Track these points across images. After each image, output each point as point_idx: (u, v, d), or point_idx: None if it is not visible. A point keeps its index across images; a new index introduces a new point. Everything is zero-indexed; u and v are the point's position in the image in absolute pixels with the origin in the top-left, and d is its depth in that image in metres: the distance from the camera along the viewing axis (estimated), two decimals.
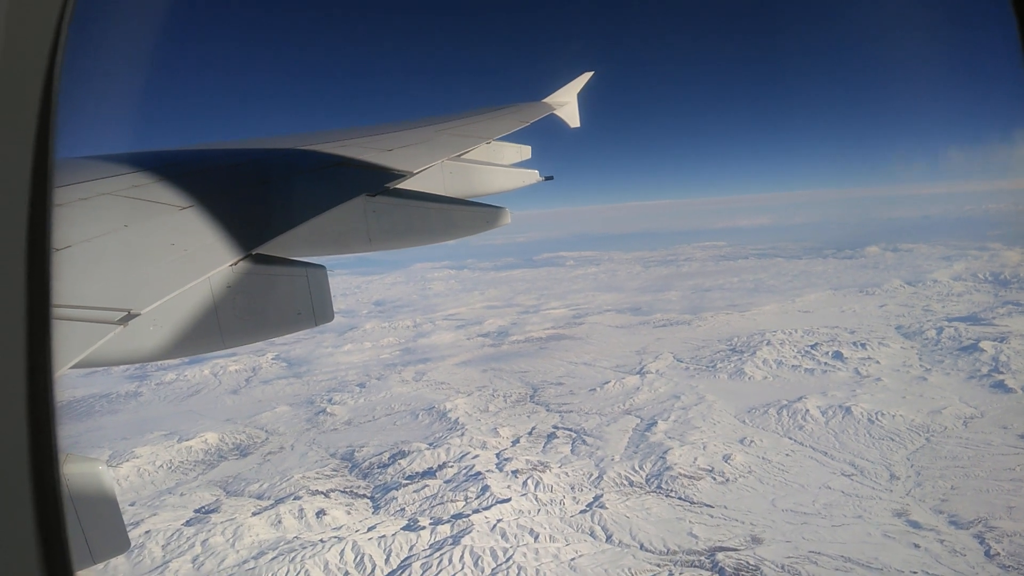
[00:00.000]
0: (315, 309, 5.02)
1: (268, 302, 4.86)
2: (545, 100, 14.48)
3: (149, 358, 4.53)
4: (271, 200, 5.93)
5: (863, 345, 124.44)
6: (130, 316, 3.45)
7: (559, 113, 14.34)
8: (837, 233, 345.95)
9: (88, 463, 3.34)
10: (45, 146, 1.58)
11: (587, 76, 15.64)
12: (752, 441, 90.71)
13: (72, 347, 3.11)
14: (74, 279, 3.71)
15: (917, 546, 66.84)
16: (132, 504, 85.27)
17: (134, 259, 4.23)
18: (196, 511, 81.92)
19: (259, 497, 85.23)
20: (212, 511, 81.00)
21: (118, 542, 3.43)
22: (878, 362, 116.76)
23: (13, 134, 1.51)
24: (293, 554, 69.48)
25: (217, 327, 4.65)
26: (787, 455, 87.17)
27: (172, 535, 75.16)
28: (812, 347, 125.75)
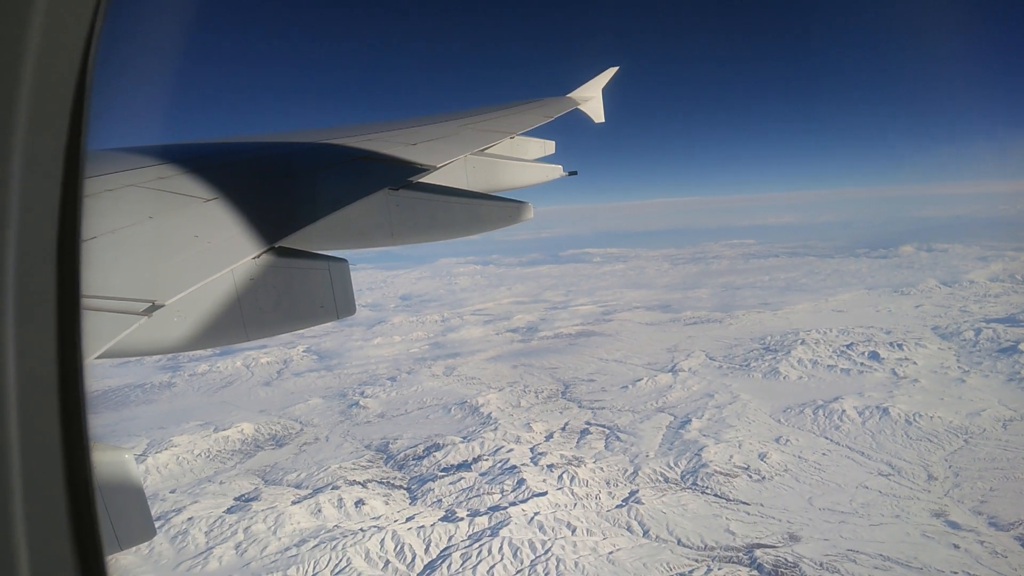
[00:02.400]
0: (337, 302, 5.04)
1: (290, 295, 4.88)
2: (570, 95, 14.43)
3: (174, 349, 4.54)
4: (294, 193, 5.96)
5: (899, 346, 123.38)
6: (155, 307, 3.49)
7: (584, 108, 14.25)
8: (867, 232, 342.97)
9: (115, 452, 3.35)
10: (78, 139, 1.62)
11: (612, 71, 15.52)
12: (788, 440, 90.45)
13: (99, 337, 3.17)
14: (100, 270, 3.76)
15: (957, 547, 66.41)
16: (173, 491, 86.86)
17: (159, 250, 4.28)
18: (236, 499, 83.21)
19: (297, 486, 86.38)
20: (252, 499, 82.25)
21: (144, 529, 3.46)
22: (915, 363, 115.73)
23: (48, 127, 1.54)
24: (334, 542, 70.40)
25: (240, 319, 4.69)
26: (823, 454, 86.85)
27: (214, 522, 76.41)
28: (847, 347, 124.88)
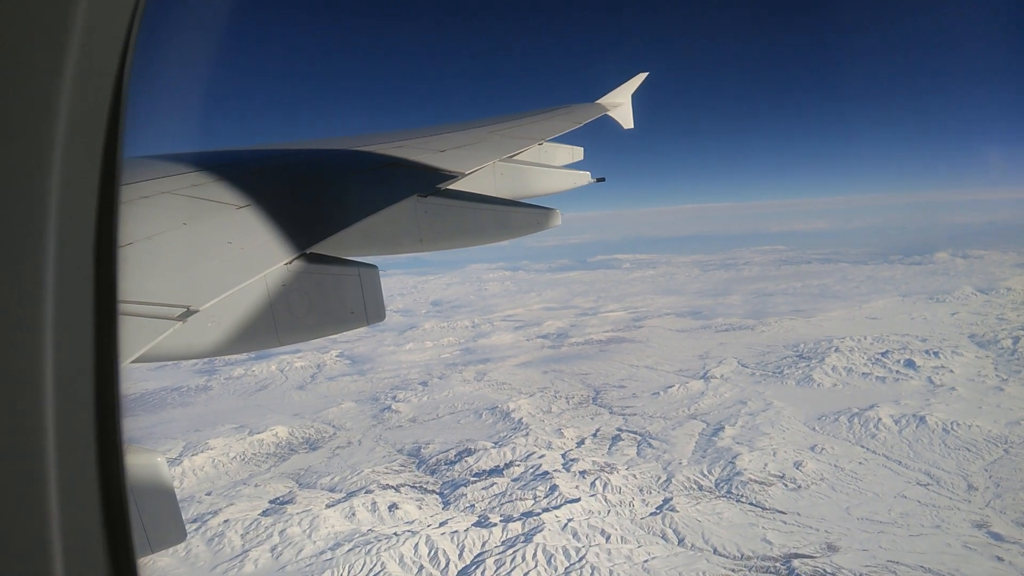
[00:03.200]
0: (367, 308, 5.07)
1: (321, 301, 4.91)
2: (599, 101, 14.33)
3: (208, 354, 4.58)
4: (325, 200, 5.97)
5: (936, 353, 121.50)
6: (189, 312, 3.53)
7: (613, 114, 14.15)
8: (901, 238, 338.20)
9: (147, 455, 3.37)
10: (115, 145, 1.65)
11: (642, 77, 15.37)
12: (823, 448, 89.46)
13: (134, 341, 3.22)
14: (135, 275, 3.80)
15: (1000, 559, 65.26)
16: (208, 494, 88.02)
17: (193, 257, 4.31)
18: (271, 502, 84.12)
19: (331, 490, 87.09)
20: (287, 502, 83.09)
21: (176, 532, 3.47)
22: (952, 371, 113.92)
23: (86, 133, 1.56)
24: (369, 546, 70.90)
25: (272, 324, 4.72)
26: (860, 463, 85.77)
27: (250, 525, 77.27)
28: (883, 355, 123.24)
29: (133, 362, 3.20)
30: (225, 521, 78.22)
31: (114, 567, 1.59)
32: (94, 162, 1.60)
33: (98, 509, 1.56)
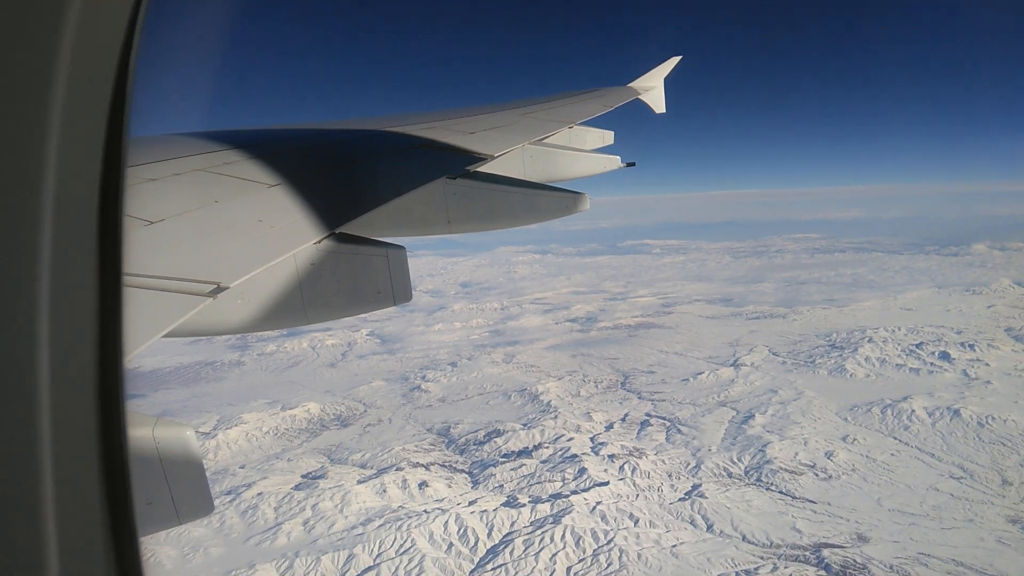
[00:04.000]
0: (395, 288, 5.09)
1: (349, 280, 4.94)
2: (631, 84, 14.20)
3: (237, 330, 4.61)
4: (354, 180, 6.04)
5: (971, 346, 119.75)
6: (220, 289, 3.53)
7: (644, 98, 14.00)
8: (937, 229, 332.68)
9: (176, 428, 3.41)
10: (119, 126, 1.66)
11: (675, 61, 15.20)
12: (855, 439, 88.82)
13: (166, 316, 3.22)
14: (167, 251, 3.85)
15: None
16: (242, 467, 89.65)
17: (224, 234, 4.34)
18: (304, 476, 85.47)
19: (362, 466, 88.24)
20: (319, 477, 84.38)
21: (203, 505, 3.52)
22: (987, 364, 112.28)
23: (87, 113, 1.56)
24: (399, 523, 71.87)
25: (301, 302, 4.74)
26: (892, 455, 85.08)
27: (283, 498, 78.60)
28: (917, 346, 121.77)
29: (166, 336, 3.22)
30: (259, 494, 79.66)
31: (115, 544, 1.57)
32: (96, 142, 1.59)
33: (98, 488, 1.54)
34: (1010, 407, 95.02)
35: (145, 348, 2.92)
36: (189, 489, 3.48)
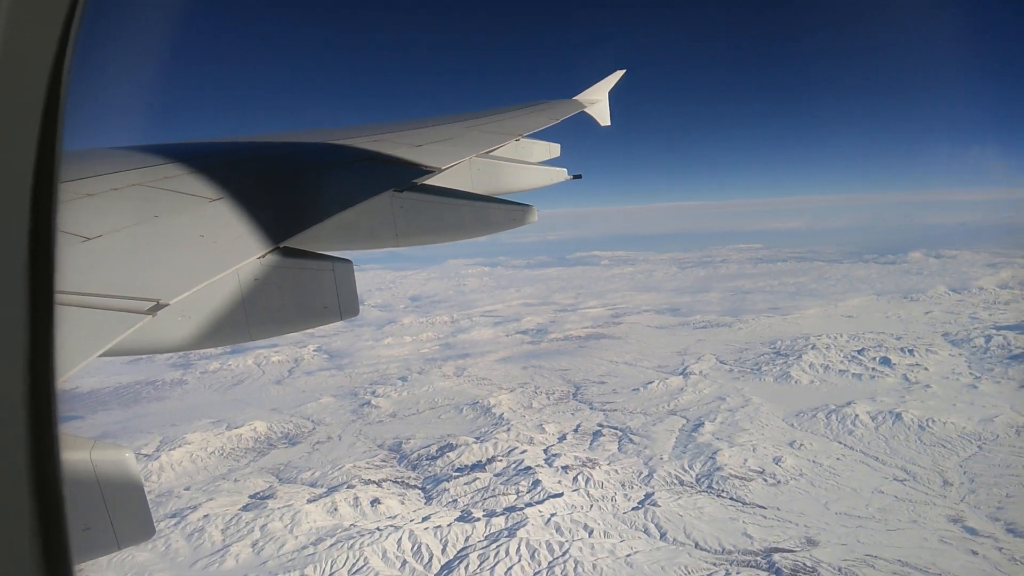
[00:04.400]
0: (341, 303, 4.99)
1: (294, 295, 4.83)
2: (576, 98, 14.33)
3: (178, 348, 4.49)
4: (299, 194, 5.94)
5: (911, 351, 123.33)
6: (159, 306, 3.46)
7: (590, 111, 14.14)
8: (875, 238, 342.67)
9: (114, 450, 3.29)
10: (52, 137, 1.58)
11: (619, 74, 15.42)
12: (802, 444, 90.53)
13: (102, 335, 3.13)
14: (104, 268, 3.75)
15: (975, 553, 66.45)
16: (187, 488, 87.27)
17: (164, 250, 4.25)
18: (251, 497, 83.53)
19: (312, 485, 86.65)
20: (267, 497, 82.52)
21: (144, 529, 3.41)
22: (926, 369, 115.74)
23: (15, 125, 1.50)
24: (351, 541, 70.64)
25: (244, 319, 4.64)
26: (838, 459, 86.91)
27: (230, 520, 76.69)
28: (859, 352, 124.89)
29: (102, 356, 3.13)
30: (205, 516, 77.56)
31: (47, 570, 1.48)
32: (27, 154, 1.53)
33: (29, 511, 1.47)
34: (949, 410, 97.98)
35: (81, 368, 2.84)
36: (129, 513, 3.34)
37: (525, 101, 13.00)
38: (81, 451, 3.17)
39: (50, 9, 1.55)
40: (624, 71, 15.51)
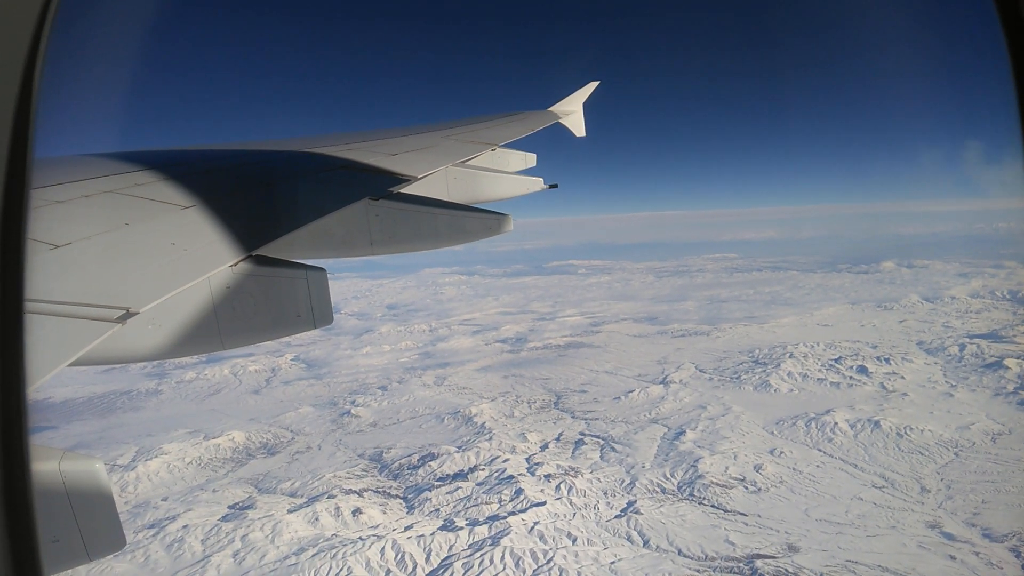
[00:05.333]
0: (315, 312, 4.96)
1: (267, 303, 4.80)
2: (551, 108, 14.49)
3: (148, 357, 4.46)
4: (273, 201, 5.95)
5: (887, 360, 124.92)
6: (129, 315, 3.45)
7: (565, 122, 14.32)
8: (847, 248, 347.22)
9: (84, 460, 3.28)
10: (24, 144, 1.57)
11: (593, 86, 15.66)
12: (782, 452, 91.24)
13: (71, 344, 3.11)
14: (74, 276, 3.71)
15: (953, 558, 67.34)
16: (165, 499, 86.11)
17: (134, 258, 4.22)
18: (231, 507, 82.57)
19: (292, 495, 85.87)
20: (247, 507, 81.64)
21: (114, 540, 3.40)
22: (903, 377, 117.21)
23: None
24: (334, 551, 70.07)
25: (216, 327, 4.60)
26: (817, 466, 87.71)
27: (210, 530, 75.75)
28: (836, 361, 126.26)
29: (72, 365, 3.12)
30: (184, 527, 76.55)
31: None
32: None
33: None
34: (926, 418, 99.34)
35: (49, 377, 2.82)
36: (99, 524, 3.33)
37: (501, 111, 13.13)
38: (50, 461, 3.14)
39: (21, 15, 1.52)
40: (598, 83, 15.73)
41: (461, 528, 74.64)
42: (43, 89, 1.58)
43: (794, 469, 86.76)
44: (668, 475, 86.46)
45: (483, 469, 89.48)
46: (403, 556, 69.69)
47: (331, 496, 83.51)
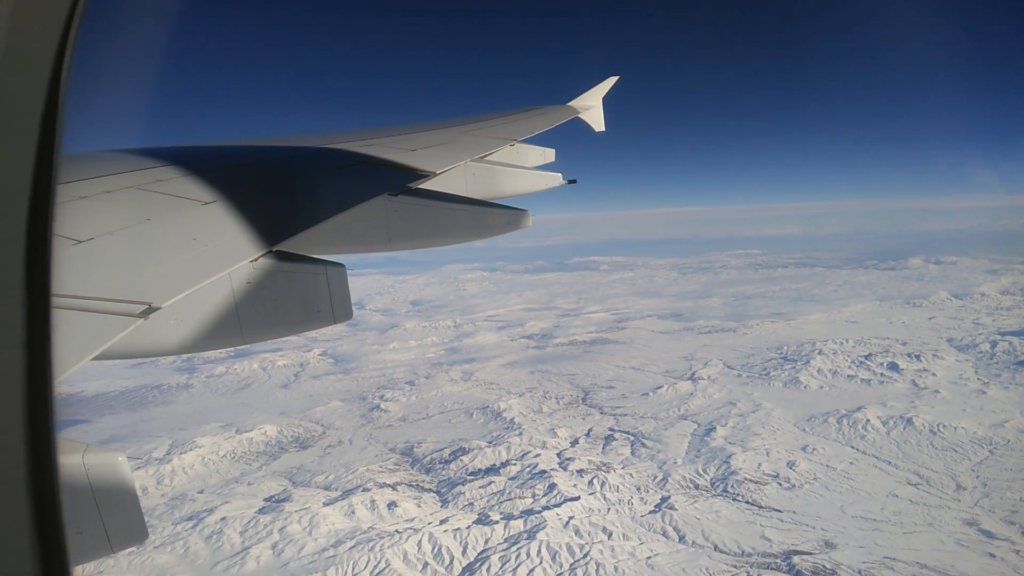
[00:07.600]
0: (334, 307, 5.00)
1: (287, 299, 4.83)
2: (570, 103, 14.41)
3: (170, 351, 4.50)
4: (293, 197, 5.97)
5: (917, 357, 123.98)
6: (151, 309, 3.47)
7: (584, 117, 14.26)
8: (873, 244, 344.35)
9: (107, 454, 3.32)
10: (51, 141, 1.62)
11: (613, 80, 15.56)
12: (814, 449, 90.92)
13: (95, 338, 3.14)
14: (96, 272, 3.76)
15: (993, 556, 66.93)
16: (201, 492, 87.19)
17: (156, 253, 4.26)
18: (267, 500, 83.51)
19: (327, 488, 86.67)
20: (283, 500, 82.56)
21: (136, 532, 3.45)
22: (934, 374, 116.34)
23: (17, 126, 1.54)
24: (371, 544, 70.71)
25: (237, 322, 4.64)
26: (851, 463, 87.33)
27: (248, 523, 76.68)
28: (866, 357, 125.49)
29: (95, 359, 3.16)
30: (222, 519, 77.54)
31: (45, 571, 1.51)
32: (26, 157, 1.55)
33: (28, 517, 1.49)
34: (959, 415, 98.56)
35: (74, 371, 2.89)
36: (121, 517, 3.41)
37: (519, 106, 13.09)
38: (74, 455, 3.22)
39: (50, 12, 1.56)
40: (617, 77, 15.67)
41: (496, 522, 75.10)
42: (71, 85, 1.63)
43: (827, 466, 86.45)
44: (701, 471, 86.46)
45: (515, 464, 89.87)
46: (440, 549, 70.24)
47: (366, 489, 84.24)
